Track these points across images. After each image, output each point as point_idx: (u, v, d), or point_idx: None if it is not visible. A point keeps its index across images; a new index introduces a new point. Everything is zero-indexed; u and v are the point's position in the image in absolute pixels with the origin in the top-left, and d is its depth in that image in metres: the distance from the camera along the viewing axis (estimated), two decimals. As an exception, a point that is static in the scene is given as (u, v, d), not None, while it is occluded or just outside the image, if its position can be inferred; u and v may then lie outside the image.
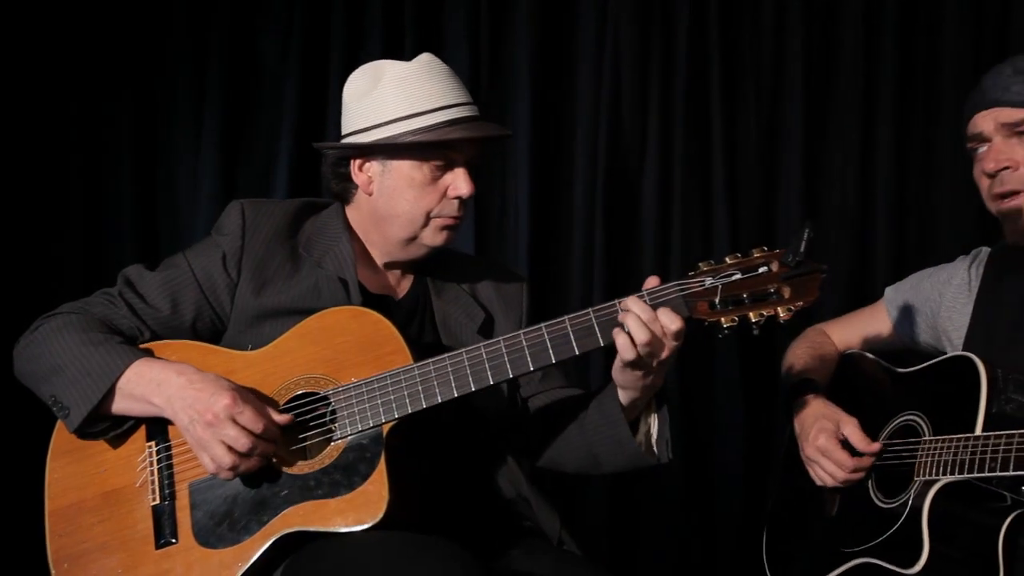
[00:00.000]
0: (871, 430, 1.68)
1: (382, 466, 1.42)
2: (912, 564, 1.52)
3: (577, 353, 1.42)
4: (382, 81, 1.58)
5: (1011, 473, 1.42)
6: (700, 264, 1.39)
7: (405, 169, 1.58)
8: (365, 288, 1.63)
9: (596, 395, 1.57)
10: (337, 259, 1.61)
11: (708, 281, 1.37)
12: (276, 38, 2.67)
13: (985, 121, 1.61)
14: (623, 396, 1.49)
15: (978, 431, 1.50)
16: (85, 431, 1.50)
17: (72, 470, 1.55)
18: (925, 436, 1.61)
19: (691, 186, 2.62)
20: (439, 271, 1.70)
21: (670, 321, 1.37)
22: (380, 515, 1.38)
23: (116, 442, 1.54)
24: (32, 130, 2.59)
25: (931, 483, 1.54)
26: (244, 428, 1.40)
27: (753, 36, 2.61)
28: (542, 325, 1.44)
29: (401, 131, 1.55)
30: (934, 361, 1.71)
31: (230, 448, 1.40)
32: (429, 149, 1.55)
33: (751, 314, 1.35)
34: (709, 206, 2.62)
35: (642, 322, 1.36)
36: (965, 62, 2.52)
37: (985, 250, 1.80)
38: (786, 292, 1.34)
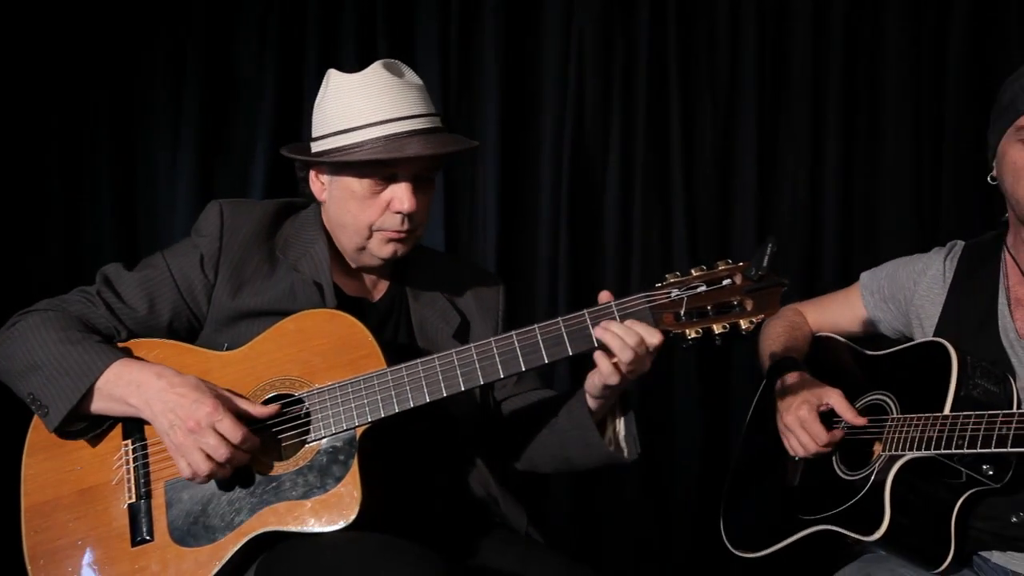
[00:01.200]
0: None
1: (355, 469, 1.39)
2: (872, 532, 1.52)
3: (547, 361, 1.41)
4: (326, 93, 1.53)
5: (977, 451, 1.43)
6: (666, 276, 1.39)
7: (347, 181, 1.52)
8: (341, 290, 1.59)
9: (566, 400, 1.55)
10: (313, 262, 1.56)
11: (674, 293, 1.36)
12: (252, 43, 2.62)
13: None
14: (592, 403, 1.48)
15: (947, 411, 1.51)
16: (64, 430, 1.45)
17: (48, 466, 1.50)
18: (893, 414, 1.61)
19: (651, 190, 2.62)
20: (418, 274, 1.65)
21: (650, 336, 1.36)
22: (352, 517, 1.36)
23: (93, 440, 1.50)
24: (11, 133, 2.53)
25: (896, 458, 1.55)
26: (224, 437, 1.36)
27: (709, 49, 2.62)
28: (513, 333, 1.42)
29: (335, 146, 1.49)
30: (906, 345, 1.72)
31: (208, 456, 1.36)
32: (367, 164, 1.49)
33: (715, 326, 1.35)
34: (668, 209, 2.62)
35: (628, 345, 1.35)
36: (904, 72, 2.55)
37: (960, 243, 1.79)
38: (749, 304, 1.35)
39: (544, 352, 1.40)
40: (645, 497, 2.60)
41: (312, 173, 1.57)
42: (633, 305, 1.38)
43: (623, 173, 2.61)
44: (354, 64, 2.49)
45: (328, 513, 1.37)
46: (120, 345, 1.51)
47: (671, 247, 2.61)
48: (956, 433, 1.46)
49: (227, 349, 1.51)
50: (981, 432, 1.42)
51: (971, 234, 1.80)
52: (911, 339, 1.77)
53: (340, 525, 1.36)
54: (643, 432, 1.54)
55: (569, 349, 1.39)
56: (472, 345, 1.43)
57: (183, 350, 1.51)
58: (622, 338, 1.35)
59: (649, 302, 1.37)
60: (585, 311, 1.40)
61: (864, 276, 1.89)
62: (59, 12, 2.53)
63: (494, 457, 1.65)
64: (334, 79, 1.53)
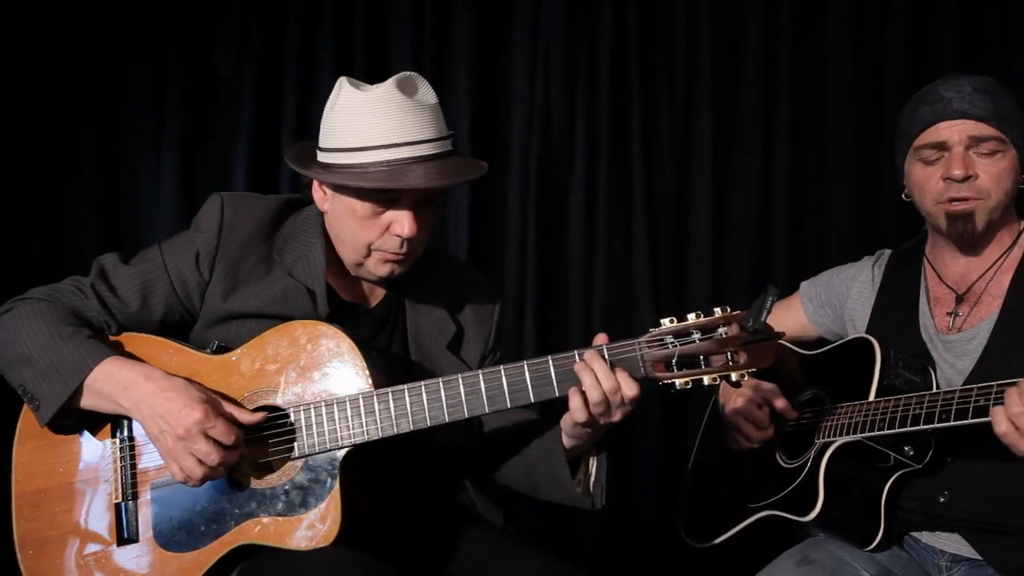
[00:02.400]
0: None
1: (336, 491, 1.35)
2: (808, 513, 1.54)
3: (532, 400, 1.34)
4: (336, 102, 1.44)
5: (896, 431, 1.46)
6: (662, 321, 1.30)
7: (348, 200, 1.43)
8: (337, 295, 1.52)
9: (544, 429, 1.49)
10: (308, 267, 1.49)
11: (668, 340, 1.29)
12: (233, 48, 2.58)
13: (951, 131, 1.55)
14: (566, 441, 1.41)
15: (871, 399, 1.54)
16: (55, 423, 1.40)
17: (39, 455, 1.47)
18: (826, 406, 1.65)
19: (613, 194, 2.62)
20: (418, 280, 1.57)
21: (628, 388, 1.29)
22: (332, 538, 1.33)
23: (83, 434, 1.46)
24: None
25: (828, 444, 1.58)
26: (215, 442, 1.32)
27: (668, 66, 2.63)
28: (501, 368, 1.35)
29: (339, 162, 1.41)
30: (837, 344, 1.76)
31: (200, 461, 1.32)
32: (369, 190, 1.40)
33: (706, 378, 1.28)
34: (629, 213, 2.62)
35: (600, 386, 1.29)
36: (846, 92, 2.57)
37: (887, 252, 1.83)
38: (741, 357, 1.28)
39: (531, 391, 1.33)
40: (612, 496, 2.59)
41: (314, 182, 1.49)
42: (627, 351, 1.31)
43: (587, 179, 2.61)
44: (331, 70, 2.52)
45: (308, 532, 1.34)
46: (111, 339, 1.46)
47: (632, 249, 2.61)
48: (878, 417, 1.50)
49: (216, 348, 1.45)
50: (899, 414, 1.46)
51: (909, 234, 1.84)
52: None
53: (320, 545, 1.33)
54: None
55: (556, 391, 1.33)
56: (460, 376, 1.36)
57: (171, 349, 1.46)
58: (596, 376, 1.29)
59: (642, 349, 1.30)
60: (575, 352, 1.33)
61: (804, 285, 1.93)
62: (48, 19, 2.48)
63: (470, 468, 1.60)
64: (346, 91, 1.43)
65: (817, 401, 1.71)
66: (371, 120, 1.38)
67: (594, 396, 1.29)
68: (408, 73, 1.46)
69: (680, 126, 2.62)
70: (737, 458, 1.80)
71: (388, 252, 1.45)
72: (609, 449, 1.48)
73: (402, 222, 1.41)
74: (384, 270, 1.48)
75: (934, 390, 1.54)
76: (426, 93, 1.45)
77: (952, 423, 1.37)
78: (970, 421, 1.35)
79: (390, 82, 1.41)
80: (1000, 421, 1.26)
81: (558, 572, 1.45)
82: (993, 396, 1.33)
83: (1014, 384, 1.31)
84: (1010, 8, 2.50)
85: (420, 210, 1.43)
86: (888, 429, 1.48)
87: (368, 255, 1.46)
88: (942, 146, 1.56)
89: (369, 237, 1.44)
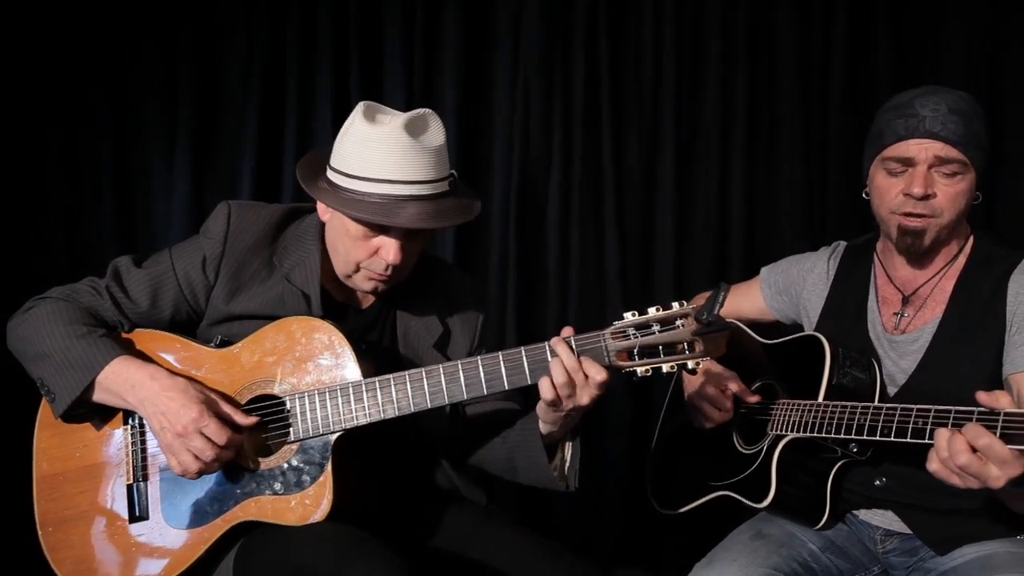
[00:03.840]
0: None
1: (328, 470, 1.36)
2: (762, 500, 1.55)
3: (507, 388, 1.35)
4: (351, 129, 1.41)
5: (841, 436, 1.45)
6: (625, 314, 1.32)
7: (344, 220, 1.41)
8: (331, 296, 1.52)
9: (523, 416, 1.50)
10: (304, 273, 1.48)
11: (630, 332, 1.30)
12: (238, 68, 2.59)
13: (920, 149, 1.49)
14: (543, 427, 1.43)
15: (820, 399, 1.52)
16: (68, 415, 1.42)
17: (57, 441, 1.48)
18: (780, 398, 1.63)
19: (586, 203, 2.64)
20: (409, 285, 1.55)
21: (596, 372, 1.29)
22: (324, 514, 1.34)
23: (97, 422, 1.47)
24: (19, 144, 2.49)
25: (781, 437, 1.57)
26: (209, 440, 1.33)
27: (635, 85, 2.63)
28: (478, 359, 1.35)
29: (342, 184, 1.40)
30: (792, 337, 1.72)
31: (196, 456, 1.33)
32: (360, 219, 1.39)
33: (665, 366, 1.30)
34: (601, 221, 2.64)
35: (564, 369, 1.29)
36: (796, 106, 2.59)
37: (843, 244, 1.79)
38: (698, 347, 1.29)
39: (505, 379, 1.34)
40: (584, 478, 2.60)
41: None
42: (590, 342, 1.32)
43: (562, 189, 2.62)
44: (328, 88, 2.55)
45: (303, 509, 1.35)
46: (124, 336, 1.48)
47: (604, 252, 2.63)
48: (826, 420, 1.48)
49: (219, 342, 1.47)
50: (845, 420, 1.44)
51: (851, 235, 1.83)
52: (801, 326, 1.80)
53: (313, 520, 1.34)
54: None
55: (528, 378, 1.34)
56: (440, 366, 1.37)
57: (179, 343, 1.47)
58: (560, 360, 1.29)
59: (606, 340, 1.31)
60: (546, 343, 1.33)
61: (763, 271, 1.90)
62: (64, 36, 2.49)
63: (452, 453, 1.60)
64: (360, 120, 1.40)
65: (770, 389, 1.70)
66: (376, 154, 1.37)
67: (559, 378, 1.30)
68: (421, 112, 1.42)
69: (647, 140, 2.63)
70: (698, 435, 1.79)
71: (373, 272, 1.44)
72: (582, 436, 1.49)
73: (388, 249, 1.40)
74: (368, 286, 1.48)
75: (878, 392, 1.54)
76: (434, 135, 1.42)
77: (892, 439, 1.34)
78: (908, 440, 1.32)
79: (400, 120, 1.39)
80: (932, 460, 1.25)
81: (538, 547, 1.45)
82: (931, 420, 1.30)
83: (946, 417, 1.28)
84: (939, 40, 2.54)
85: (408, 239, 1.42)
86: (835, 433, 1.45)
87: (356, 271, 1.46)
88: (908, 162, 1.51)
89: (358, 256, 1.43)
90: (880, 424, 1.37)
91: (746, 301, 1.89)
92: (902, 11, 2.56)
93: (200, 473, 1.36)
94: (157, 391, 1.35)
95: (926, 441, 1.28)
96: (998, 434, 1.19)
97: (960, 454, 1.21)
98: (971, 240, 1.59)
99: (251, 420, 1.39)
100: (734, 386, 1.69)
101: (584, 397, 1.31)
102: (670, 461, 1.89)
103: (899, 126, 1.51)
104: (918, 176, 1.49)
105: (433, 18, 2.60)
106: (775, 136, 2.62)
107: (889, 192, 1.54)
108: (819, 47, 2.59)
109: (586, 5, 2.59)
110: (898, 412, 1.35)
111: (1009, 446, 1.18)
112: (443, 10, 2.59)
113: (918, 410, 1.32)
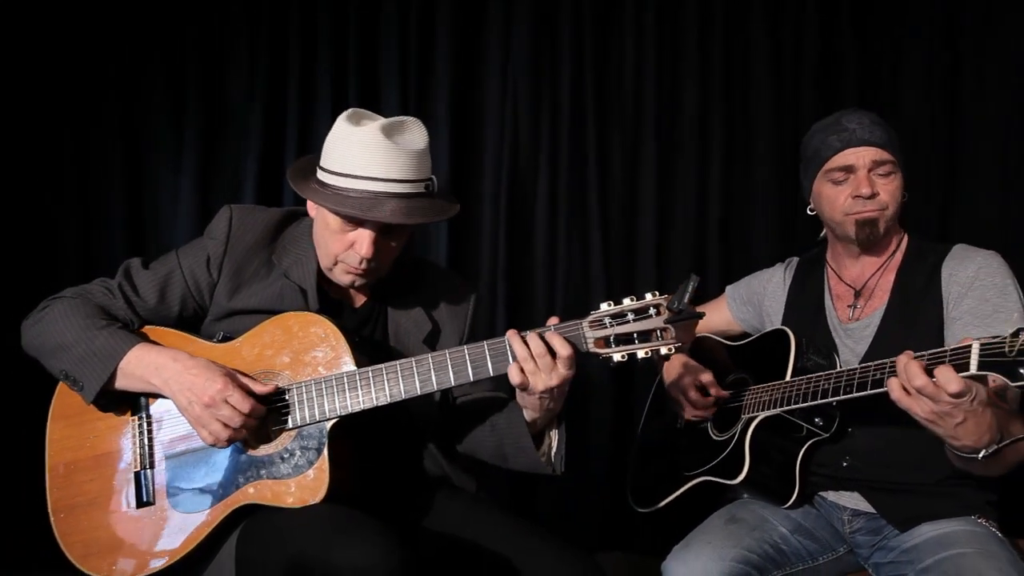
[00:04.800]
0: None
1: (325, 456, 1.37)
2: (735, 477, 1.59)
3: (492, 374, 1.35)
4: (338, 131, 1.43)
5: (808, 404, 1.51)
6: (601, 304, 1.33)
7: (326, 213, 1.43)
8: (327, 294, 1.53)
9: (511, 407, 1.49)
10: (302, 270, 1.50)
11: (607, 320, 1.31)
12: (243, 79, 2.60)
13: (857, 156, 1.59)
14: (526, 414, 1.43)
15: (787, 379, 1.60)
16: (98, 402, 1.42)
17: (68, 432, 1.49)
18: (751, 387, 1.69)
19: (573, 206, 2.65)
20: (399, 284, 1.56)
21: (561, 347, 1.30)
22: (320, 497, 1.35)
23: (107, 414, 1.48)
24: (35, 155, 2.51)
25: (752, 418, 1.62)
26: (235, 408, 1.34)
27: (617, 94, 2.65)
28: (464, 347, 1.36)
29: (326, 181, 1.41)
30: (758, 335, 1.82)
31: (225, 424, 1.35)
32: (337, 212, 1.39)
33: (639, 351, 1.31)
34: (586, 223, 2.65)
35: (527, 350, 1.30)
36: (768, 125, 2.61)
37: (795, 259, 1.89)
38: (668, 334, 1.30)
39: (490, 365, 1.34)
40: (569, 464, 2.61)
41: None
42: (569, 330, 1.33)
43: (550, 191, 2.64)
44: (328, 97, 2.57)
45: (301, 492, 1.36)
46: (137, 332, 1.48)
47: (589, 254, 2.64)
48: (793, 392, 1.56)
49: (222, 337, 1.47)
50: (811, 389, 1.51)
51: (818, 229, 1.85)
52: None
53: (311, 502, 1.35)
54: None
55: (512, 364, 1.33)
56: (429, 355, 1.37)
57: (184, 339, 1.48)
58: (523, 340, 1.30)
59: (584, 328, 1.32)
60: (528, 332, 1.33)
61: (728, 288, 1.99)
62: (75, 50, 2.51)
63: (444, 441, 1.60)
64: (343, 122, 1.42)
65: (742, 383, 1.74)
66: (354, 152, 1.38)
67: (519, 353, 1.31)
68: (403, 119, 1.44)
69: (629, 147, 2.65)
70: (675, 434, 1.85)
71: (349, 266, 1.44)
72: (567, 423, 1.50)
73: (362, 243, 1.41)
74: (346, 280, 1.47)
75: (839, 369, 1.58)
76: (414, 139, 1.43)
77: (855, 394, 1.41)
78: (869, 392, 1.39)
79: (379, 123, 1.41)
80: (895, 388, 1.29)
81: (525, 532, 1.46)
82: (887, 371, 1.37)
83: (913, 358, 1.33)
84: (900, 55, 2.57)
85: (384, 233, 1.42)
86: (802, 402, 1.53)
87: (335, 263, 1.46)
88: (849, 169, 1.60)
89: (336, 249, 1.43)
90: (843, 383, 1.44)
91: (715, 316, 1.96)
92: (866, 21, 2.58)
93: (230, 441, 1.37)
94: (180, 370, 1.37)
95: (884, 389, 1.33)
96: (947, 361, 1.26)
97: (916, 377, 1.26)
98: (905, 238, 1.69)
99: (268, 388, 1.39)
100: (706, 377, 1.74)
101: (554, 378, 1.31)
102: (648, 463, 1.93)
103: (834, 141, 1.62)
104: (862, 179, 1.59)
105: (426, 33, 2.62)
106: (750, 139, 2.64)
107: (838, 199, 1.63)
108: (790, 70, 2.61)
109: (571, 20, 2.61)
110: (858, 370, 1.43)
111: (960, 374, 1.23)
112: (435, 26, 2.61)
113: (875, 365, 1.40)
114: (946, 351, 1.27)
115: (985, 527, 1.51)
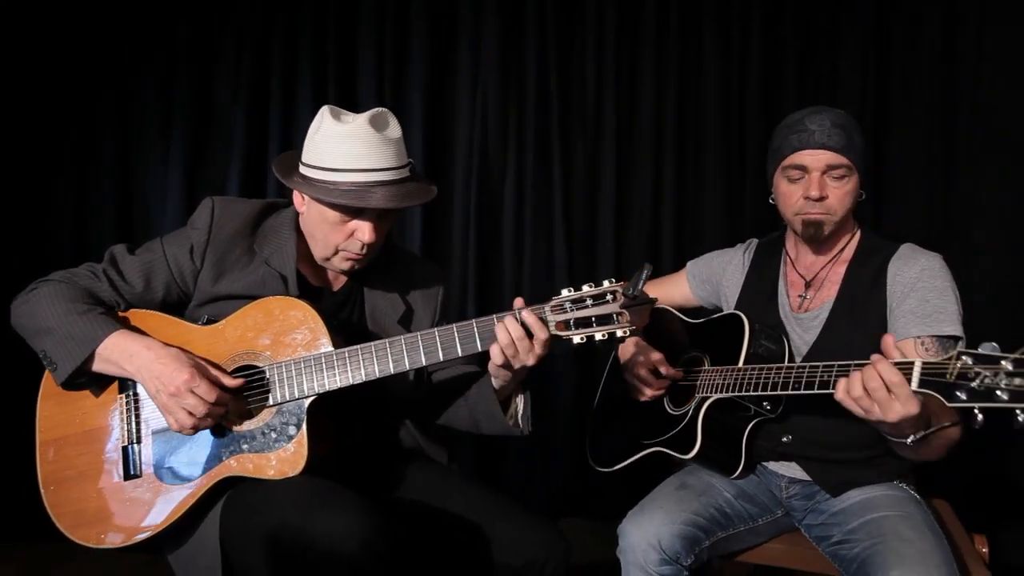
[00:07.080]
0: (670, 360, 1.73)
1: (304, 431, 1.35)
2: (688, 452, 1.58)
3: (460, 354, 1.35)
4: (320, 128, 1.41)
5: (757, 393, 1.50)
6: (563, 290, 1.33)
7: (321, 208, 1.41)
8: (306, 280, 1.50)
9: (480, 377, 1.51)
10: (282, 258, 1.47)
11: (567, 306, 1.31)
12: (228, 78, 2.56)
13: (812, 158, 1.55)
14: (495, 383, 1.44)
15: (740, 365, 1.57)
16: (70, 383, 1.39)
17: (59, 410, 1.45)
18: (705, 366, 1.67)
19: (538, 201, 2.65)
20: (375, 269, 1.54)
21: (539, 331, 1.31)
22: (300, 470, 1.33)
23: (95, 391, 1.44)
24: (31, 148, 2.46)
25: (706, 398, 1.60)
26: (200, 398, 1.32)
27: (580, 96, 2.65)
28: (435, 330, 1.35)
29: (317, 177, 1.39)
30: (714, 316, 1.76)
31: (190, 413, 1.32)
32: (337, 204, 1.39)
33: (597, 334, 1.31)
34: (550, 220, 2.65)
35: (510, 337, 1.31)
36: (718, 120, 2.62)
37: (755, 241, 1.85)
38: (624, 318, 1.30)
39: (459, 346, 1.35)
40: (532, 437, 2.62)
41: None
42: (535, 313, 1.33)
43: (517, 187, 2.63)
44: (309, 98, 2.53)
45: (281, 465, 1.34)
46: (120, 314, 1.44)
47: (552, 244, 2.64)
48: (745, 380, 1.52)
49: (206, 321, 1.45)
50: (762, 380, 1.48)
51: (764, 231, 1.88)
52: (721, 310, 1.83)
53: (291, 474, 1.33)
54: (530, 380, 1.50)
55: (479, 346, 1.35)
56: (402, 337, 1.37)
57: (170, 322, 1.45)
58: (505, 327, 1.31)
59: (546, 312, 1.32)
60: (495, 316, 1.34)
61: (689, 264, 1.93)
62: (69, 50, 2.46)
63: (419, 415, 1.59)
64: (328, 120, 1.40)
65: (697, 360, 1.72)
66: (346, 147, 1.37)
67: (503, 340, 1.33)
68: (380, 110, 1.43)
69: (591, 146, 2.65)
70: (632, 403, 1.81)
71: (351, 252, 1.44)
72: (531, 388, 1.50)
73: (364, 231, 1.41)
74: (346, 266, 1.47)
75: (788, 363, 1.57)
76: (393, 129, 1.44)
77: (801, 392, 1.39)
78: (815, 392, 1.36)
79: (364, 117, 1.40)
80: (840, 390, 1.29)
81: (495, 501, 1.46)
82: (835, 374, 1.35)
83: (846, 371, 1.33)
84: (837, 64, 2.60)
85: (380, 218, 1.43)
86: (753, 392, 1.50)
87: (335, 253, 1.45)
88: (804, 169, 1.57)
89: (336, 240, 1.43)
90: (792, 380, 1.42)
91: (675, 290, 1.92)
92: (806, 36, 2.62)
93: (195, 428, 1.35)
94: (152, 359, 1.34)
95: (830, 391, 1.33)
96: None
97: (871, 379, 1.25)
98: (858, 233, 1.66)
99: (236, 382, 1.38)
100: (656, 357, 1.72)
101: (530, 358, 1.33)
102: (607, 426, 1.91)
103: (794, 140, 1.58)
104: (814, 181, 1.56)
105: (401, 37, 2.59)
106: (701, 147, 2.65)
107: (791, 197, 1.61)
108: (737, 72, 2.63)
109: (536, 32, 2.60)
110: (807, 369, 1.41)
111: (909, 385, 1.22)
112: (409, 35, 2.59)
113: (824, 366, 1.38)
114: (893, 363, 1.25)
115: (905, 490, 1.54)
